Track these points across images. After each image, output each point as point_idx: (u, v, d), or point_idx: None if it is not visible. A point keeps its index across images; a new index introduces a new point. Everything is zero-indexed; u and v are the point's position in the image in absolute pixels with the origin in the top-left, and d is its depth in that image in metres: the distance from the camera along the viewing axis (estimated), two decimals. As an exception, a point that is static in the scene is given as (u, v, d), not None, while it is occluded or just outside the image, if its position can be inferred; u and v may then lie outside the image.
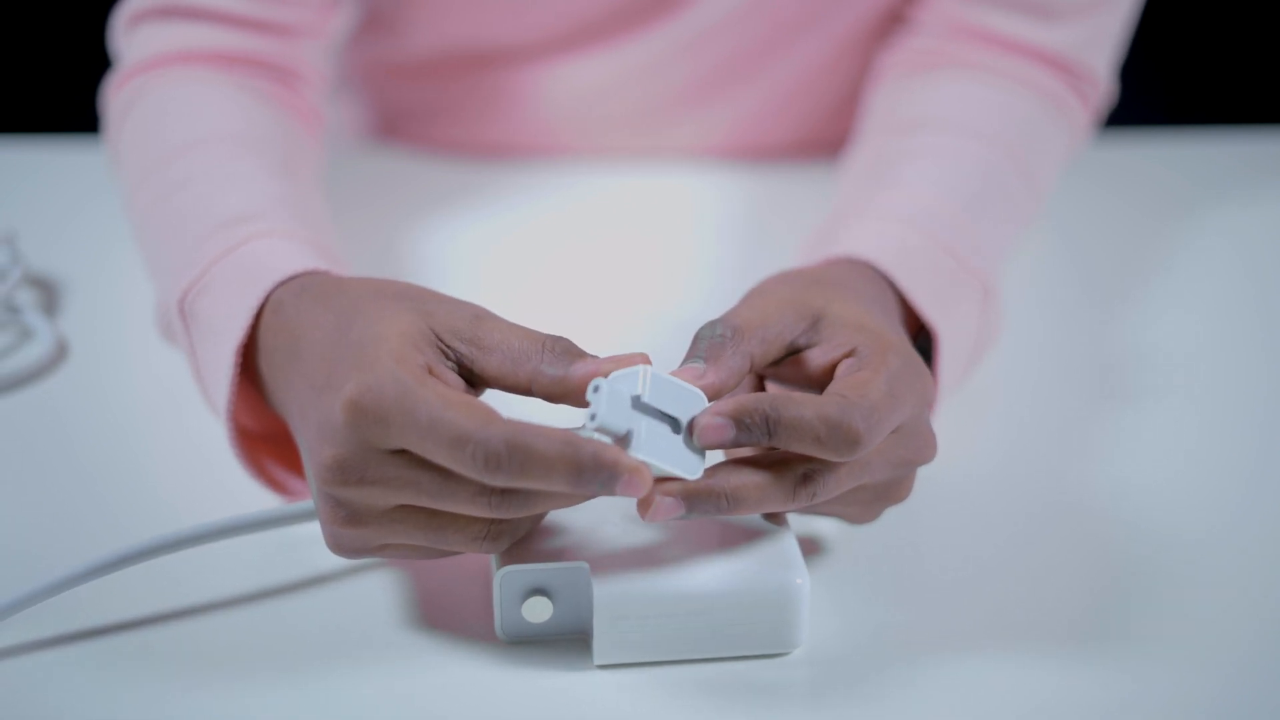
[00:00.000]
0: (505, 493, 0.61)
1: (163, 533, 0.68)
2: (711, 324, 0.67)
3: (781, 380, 0.70)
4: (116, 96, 0.91)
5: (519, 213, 1.07)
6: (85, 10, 1.28)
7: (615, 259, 1.02)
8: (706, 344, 0.66)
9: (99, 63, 0.95)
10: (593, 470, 0.60)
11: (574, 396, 0.63)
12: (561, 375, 0.63)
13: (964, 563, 0.73)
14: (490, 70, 1.10)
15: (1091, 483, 0.80)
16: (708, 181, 1.11)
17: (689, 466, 0.63)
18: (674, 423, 0.63)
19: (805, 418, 0.62)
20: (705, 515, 0.63)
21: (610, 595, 0.64)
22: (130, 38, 0.93)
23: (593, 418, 0.61)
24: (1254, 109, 1.48)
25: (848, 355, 0.67)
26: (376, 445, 0.61)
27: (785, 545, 0.67)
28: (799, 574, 0.65)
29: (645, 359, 0.64)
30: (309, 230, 0.76)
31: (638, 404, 0.62)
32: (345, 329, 0.65)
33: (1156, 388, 0.88)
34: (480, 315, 0.65)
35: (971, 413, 0.83)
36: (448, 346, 0.64)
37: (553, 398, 0.64)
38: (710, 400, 0.64)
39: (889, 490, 0.69)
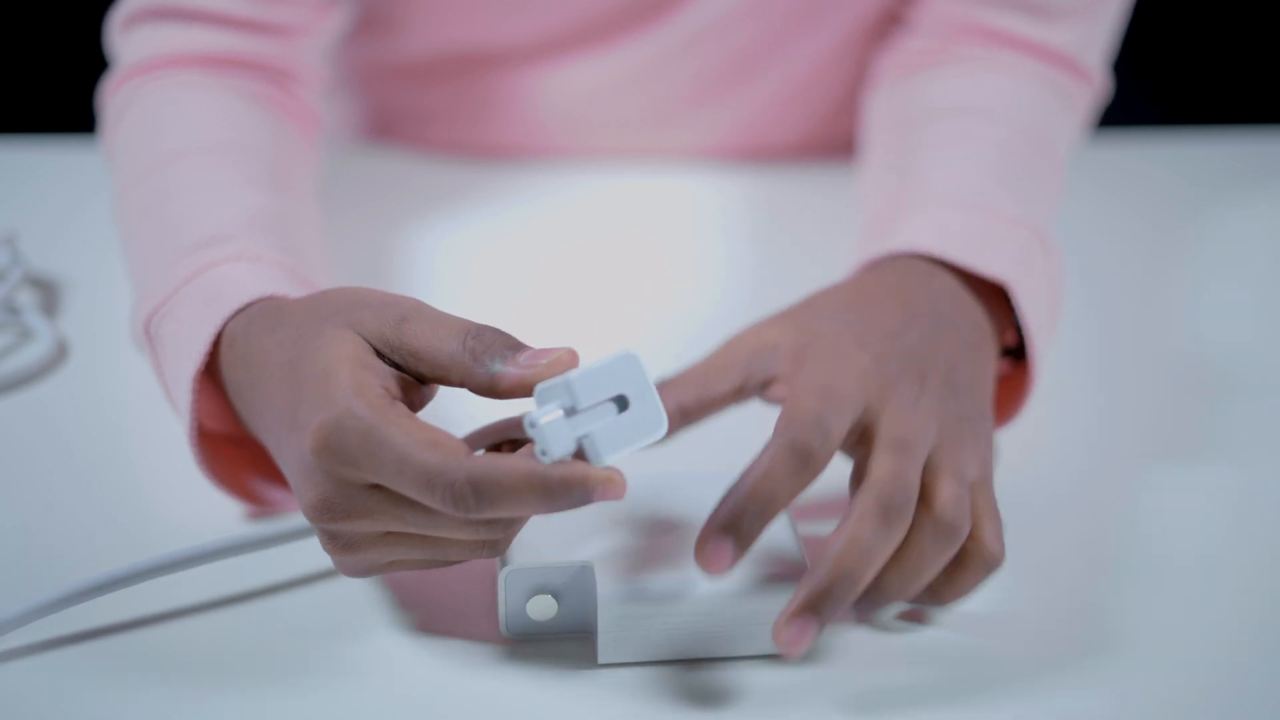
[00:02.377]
0: (488, 521, 0.61)
1: (166, 543, 0.68)
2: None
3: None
4: (112, 99, 0.91)
5: (517, 214, 1.07)
6: (85, 10, 1.28)
7: (614, 260, 1.02)
8: None
9: (99, 63, 0.95)
10: (563, 491, 0.59)
11: (507, 397, 0.62)
12: (489, 381, 0.62)
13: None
14: (487, 72, 1.10)
15: (1091, 483, 0.80)
16: (708, 182, 1.11)
17: (653, 429, 0.62)
18: (619, 400, 0.62)
19: (772, 471, 0.63)
20: (754, 531, 0.63)
21: (614, 595, 0.64)
22: (126, 39, 0.93)
23: (544, 454, 0.60)
24: (1252, 109, 1.48)
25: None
26: (353, 480, 0.61)
27: (788, 546, 0.67)
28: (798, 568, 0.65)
29: (572, 354, 0.62)
30: (278, 250, 0.75)
31: (574, 413, 0.61)
32: (296, 363, 0.64)
33: (1155, 387, 0.88)
34: (405, 317, 0.64)
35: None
36: (384, 358, 0.63)
37: (487, 396, 0.63)
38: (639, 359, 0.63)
39: (958, 436, 0.69)
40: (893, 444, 0.65)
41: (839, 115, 1.09)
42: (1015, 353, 0.80)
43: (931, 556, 0.65)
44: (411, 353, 0.63)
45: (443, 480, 0.59)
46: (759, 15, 1.05)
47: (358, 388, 0.61)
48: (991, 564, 0.67)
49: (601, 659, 0.66)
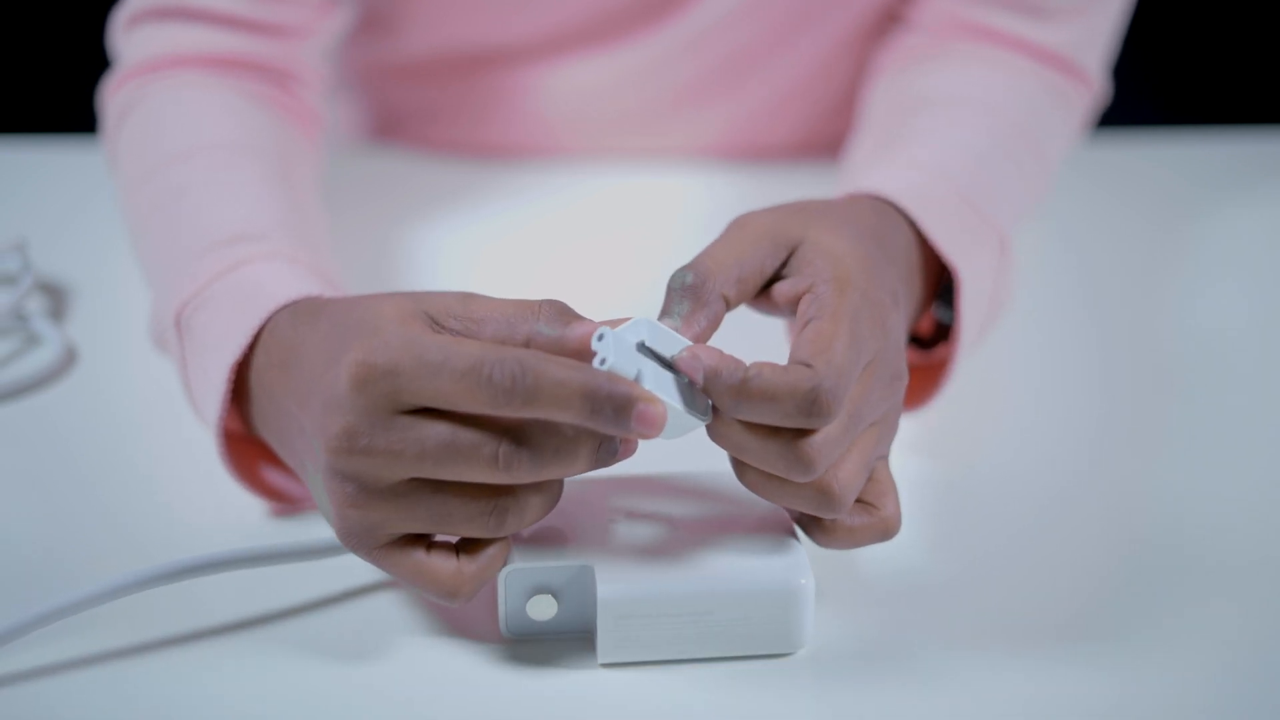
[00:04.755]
0: (513, 447, 0.60)
1: (175, 550, 0.68)
2: (681, 271, 0.67)
3: (762, 310, 0.70)
4: (114, 98, 0.91)
5: (517, 214, 1.07)
6: (90, 10, 1.28)
7: (614, 260, 1.02)
8: (678, 294, 0.66)
9: (105, 63, 0.95)
10: (607, 396, 0.59)
11: (572, 358, 0.63)
12: (558, 336, 0.63)
13: (967, 563, 0.73)
14: (488, 71, 1.10)
15: (1091, 482, 0.80)
16: (706, 182, 1.11)
17: (698, 416, 0.62)
18: (678, 374, 0.63)
19: (779, 395, 0.61)
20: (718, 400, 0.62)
21: (614, 595, 0.64)
22: (128, 38, 0.93)
23: (602, 363, 0.60)
24: (1252, 109, 1.48)
25: (809, 290, 0.66)
26: (383, 406, 0.61)
27: (790, 546, 0.67)
28: (804, 575, 0.65)
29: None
30: (307, 252, 0.76)
31: (642, 348, 0.62)
32: (342, 323, 0.65)
33: (1155, 388, 0.89)
34: (470, 294, 0.65)
35: (971, 412, 0.83)
36: (442, 326, 0.64)
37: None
38: None
39: (890, 424, 0.68)
40: (849, 413, 0.64)
41: (838, 114, 1.09)
42: (921, 340, 0.82)
43: (793, 499, 0.64)
44: (476, 319, 0.64)
45: (492, 358, 0.59)
46: (759, 15, 1.05)
47: (401, 320, 0.62)
48: (891, 534, 0.67)
49: (601, 659, 0.66)
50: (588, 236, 1.05)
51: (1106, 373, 0.90)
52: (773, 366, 0.62)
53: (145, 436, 0.82)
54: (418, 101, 1.14)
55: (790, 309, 0.67)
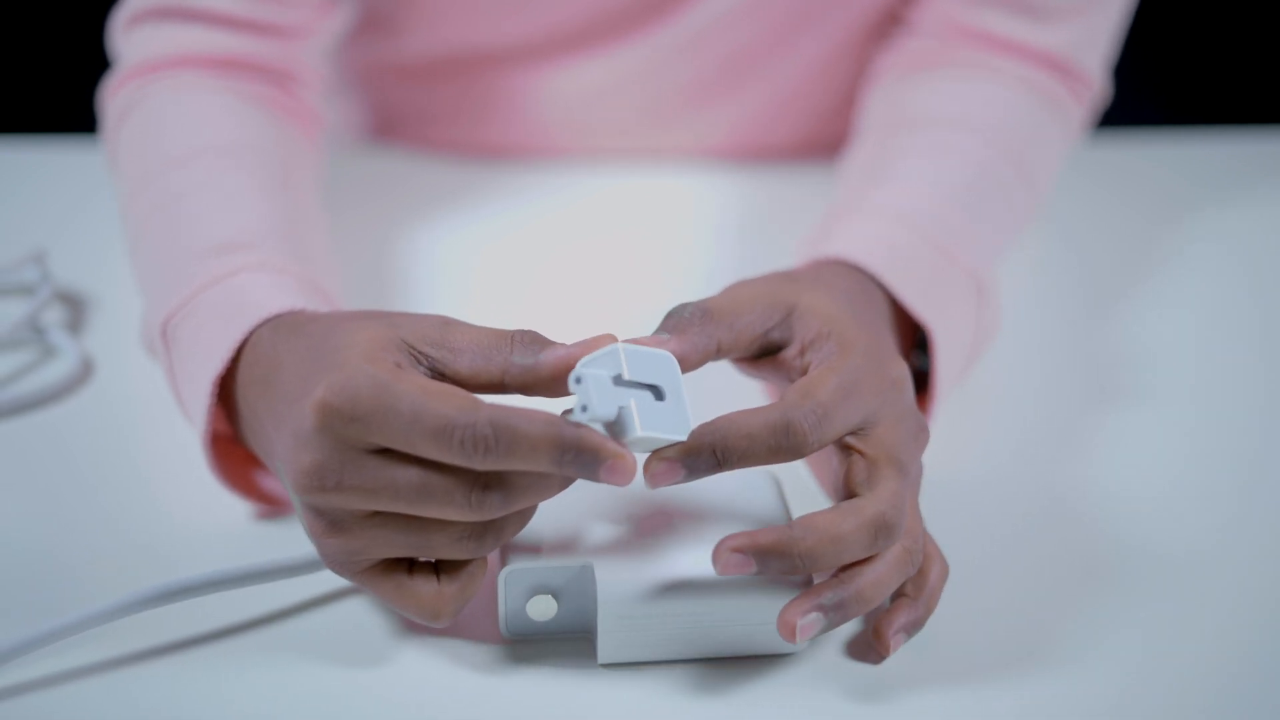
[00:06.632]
0: (485, 490, 0.61)
1: (190, 563, 0.68)
2: (684, 305, 0.68)
3: (765, 379, 0.71)
4: (114, 99, 0.91)
5: (517, 214, 1.07)
6: (90, 10, 1.28)
7: (614, 261, 1.02)
8: (674, 320, 0.67)
9: (107, 64, 0.95)
10: (575, 452, 0.60)
11: (546, 385, 0.63)
12: (532, 364, 0.63)
13: (963, 564, 0.73)
14: (488, 72, 1.10)
15: (1090, 483, 0.80)
16: (707, 183, 1.11)
17: (680, 429, 0.63)
18: (655, 390, 0.63)
19: (754, 434, 0.63)
20: (703, 474, 0.63)
21: (614, 595, 0.64)
22: (128, 38, 0.93)
23: (584, 409, 0.61)
24: (1252, 109, 1.48)
25: (814, 350, 0.68)
26: (352, 445, 0.61)
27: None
28: (802, 575, 0.65)
29: (612, 339, 0.64)
30: (298, 262, 0.76)
31: (620, 382, 0.62)
32: (318, 347, 0.65)
33: (1155, 388, 0.88)
34: (448, 321, 0.65)
35: (969, 413, 0.83)
36: (419, 353, 0.64)
37: (526, 389, 0.64)
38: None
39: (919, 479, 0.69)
40: (895, 464, 0.66)
41: (838, 116, 1.09)
42: None
43: (896, 579, 0.66)
44: (452, 348, 0.64)
45: (463, 422, 0.59)
46: (758, 16, 1.05)
47: (370, 357, 0.62)
48: (946, 572, 0.69)
49: (602, 659, 0.66)
50: (588, 237, 1.05)
51: (1105, 373, 0.90)
52: (744, 410, 0.64)
53: (162, 449, 0.81)
54: (417, 101, 1.14)
55: (798, 373, 0.68)
